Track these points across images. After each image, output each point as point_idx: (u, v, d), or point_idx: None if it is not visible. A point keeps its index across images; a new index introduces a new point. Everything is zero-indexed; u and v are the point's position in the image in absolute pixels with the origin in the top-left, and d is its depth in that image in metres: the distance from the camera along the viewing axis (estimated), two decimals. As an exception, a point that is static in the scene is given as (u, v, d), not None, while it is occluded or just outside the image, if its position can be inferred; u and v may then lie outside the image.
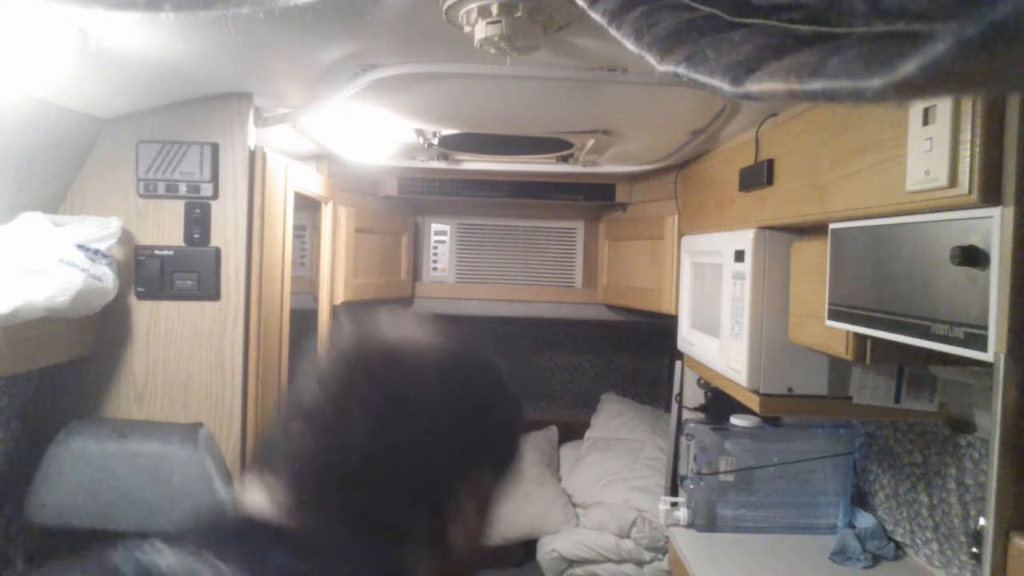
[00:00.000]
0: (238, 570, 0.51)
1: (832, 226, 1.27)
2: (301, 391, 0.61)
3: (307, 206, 2.20)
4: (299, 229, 2.37)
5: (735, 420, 2.01)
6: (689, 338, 2.03)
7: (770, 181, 1.54)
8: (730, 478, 2.00)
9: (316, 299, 2.28)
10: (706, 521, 1.98)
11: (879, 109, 1.09)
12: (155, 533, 0.56)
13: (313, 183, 2.00)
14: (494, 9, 0.96)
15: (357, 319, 0.64)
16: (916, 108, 0.98)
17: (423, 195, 2.62)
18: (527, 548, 2.88)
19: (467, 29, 1.02)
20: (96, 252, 1.39)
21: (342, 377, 0.60)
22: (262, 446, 0.62)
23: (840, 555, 1.78)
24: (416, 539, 0.59)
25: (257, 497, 0.58)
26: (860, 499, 2.00)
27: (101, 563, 0.54)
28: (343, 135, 1.99)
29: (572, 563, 2.72)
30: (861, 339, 1.23)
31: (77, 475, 1.42)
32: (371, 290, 2.50)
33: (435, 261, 2.93)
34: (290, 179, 1.77)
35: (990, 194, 0.86)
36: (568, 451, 3.31)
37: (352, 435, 0.57)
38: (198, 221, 1.55)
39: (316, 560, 0.54)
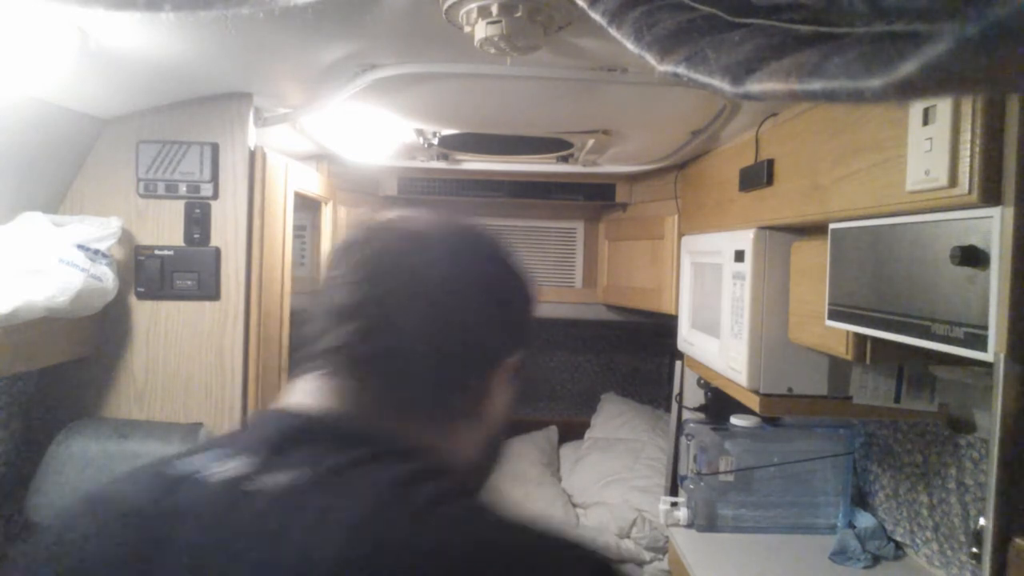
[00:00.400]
0: (302, 472, 0.51)
1: (832, 226, 1.27)
2: (329, 289, 0.61)
3: (307, 206, 2.20)
4: (299, 229, 2.36)
5: (735, 420, 2.01)
6: (689, 338, 2.03)
7: (770, 181, 1.54)
8: (730, 478, 2.00)
9: (316, 299, 2.27)
10: (706, 521, 1.98)
11: (879, 109, 1.09)
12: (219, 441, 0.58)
13: (313, 183, 2.00)
14: (494, 9, 0.96)
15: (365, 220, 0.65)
16: (916, 108, 0.98)
17: (423, 195, 2.62)
18: (527, 548, 2.88)
19: (467, 29, 1.02)
20: (96, 252, 1.39)
21: (363, 266, 0.60)
22: (297, 353, 0.63)
23: (840, 555, 1.78)
24: (456, 414, 0.62)
25: (301, 398, 0.59)
26: (860, 499, 2.00)
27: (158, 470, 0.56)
28: (343, 135, 1.99)
29: (572, 563, 2.71)
30: (861, 339, 1.23)
31: (77, 475, 1.41)
32: (371, 290, 2.50)
33: (435, 261, 2.93)
34: (290, 179, 1.77)
35: (990, 194, 0.86)
36: (568, 451, 3.31)
37: (382, 319, 0.58)
38: (198, 221, 1.55)
39: (370, 447, 0.54)
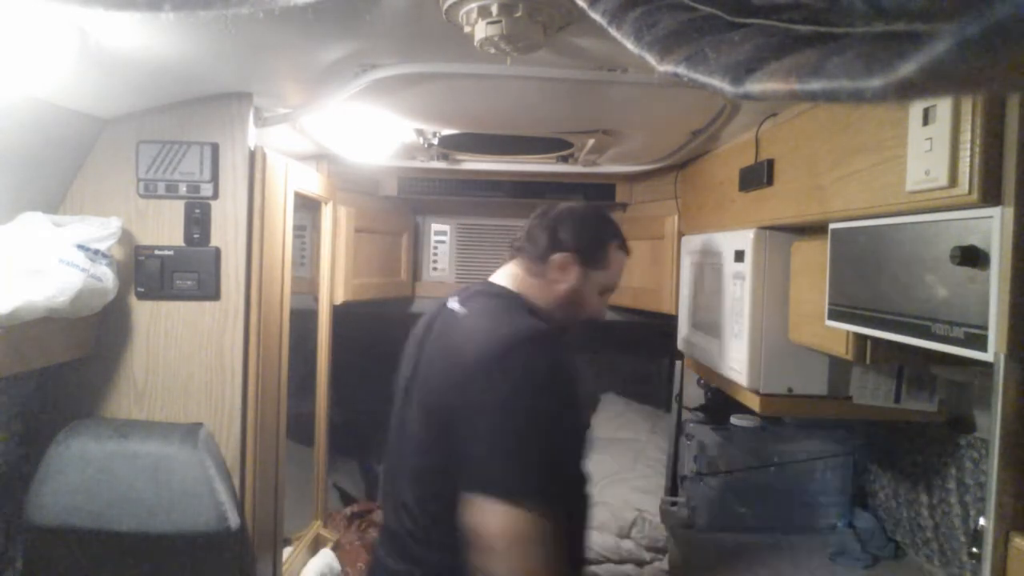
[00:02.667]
0: (474, 306, 1.30)
1: (832, 226, 1.27)
2: (531, 228, 1.43)
3: (307, 206, 2.20)
4: (299, 229, 2.37)
5: (735, 420, 2.01)
6: (689, 338, 2.03)
7: (770, 181, 1.54)
8: (730, 478, 2.00)
9: (316, 299, 2.28)
10: (706, 521, 1.98)
11: (879, 109, 1.09)
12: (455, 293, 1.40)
13: (313, 183, 2.00)
14: (494, 9, 0.96)
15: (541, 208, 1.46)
16: (916, 108, 0.98)
17: (423, 195, 2.62)
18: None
19: (467, 29, 1.02)
20: (96, 252, 1.39)
21: (547, 217, 1.43)
22: (518, 242, 1.43)
23: (840, 555, 1.78)
24: (538, 276, 1.42)
25: (497, 274, 1.42)
26: (860, 499, 2.00)
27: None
28: (343, 135, 1.99)
29: (572, 563, 2.71)
30: (861, 339, 1.23)
31: (77, 475, 1.42)
32: (371, 290, 2.51)
33: (435, 261, 2.93)
34: (290, 179, 1.77)
35: (990, 194, 0.86)
36: (568, 451, 3.30)
37: (550, 234, 1.39)
38: (198, 221, 1.55)
39: (498, 294, 1.37)
